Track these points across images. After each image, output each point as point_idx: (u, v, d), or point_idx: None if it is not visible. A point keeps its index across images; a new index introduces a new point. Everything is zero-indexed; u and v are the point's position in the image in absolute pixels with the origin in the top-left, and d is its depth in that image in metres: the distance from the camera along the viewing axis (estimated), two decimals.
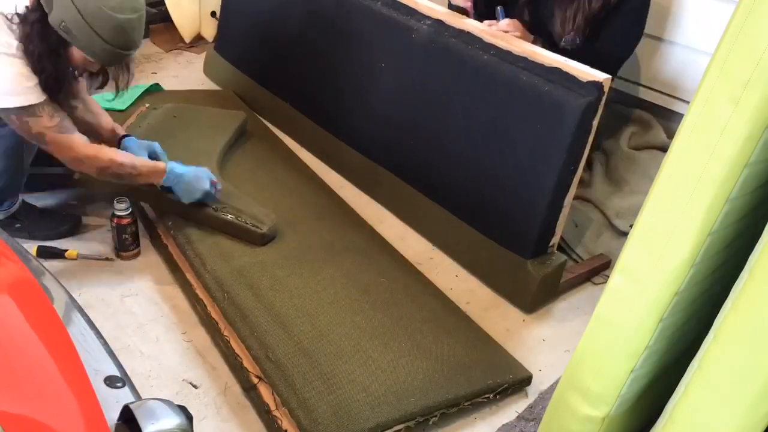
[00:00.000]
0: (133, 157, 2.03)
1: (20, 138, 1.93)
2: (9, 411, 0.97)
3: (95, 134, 2.16)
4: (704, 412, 1.16)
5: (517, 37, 2.14)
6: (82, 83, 2.09)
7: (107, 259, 2.10)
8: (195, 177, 2.04)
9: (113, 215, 2.06)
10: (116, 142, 2.16)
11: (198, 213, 2.08)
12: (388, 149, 2.45)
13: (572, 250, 2.30)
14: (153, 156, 2.15)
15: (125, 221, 2.07)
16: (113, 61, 1.86)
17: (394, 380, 1.68)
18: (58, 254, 2.07)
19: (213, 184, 2.08)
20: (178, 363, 1.81)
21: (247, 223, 2.05)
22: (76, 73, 1.97)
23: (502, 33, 2.13)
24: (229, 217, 2.06)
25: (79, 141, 1.93)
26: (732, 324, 1.11)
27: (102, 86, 1.98)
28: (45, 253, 2.06)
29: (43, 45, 1.80)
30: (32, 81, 1.82)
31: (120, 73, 1.90)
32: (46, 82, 1.87)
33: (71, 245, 2.13)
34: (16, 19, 1.79)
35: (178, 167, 2.04)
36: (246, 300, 1.84)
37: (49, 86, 1.88)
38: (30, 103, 1.82)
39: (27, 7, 1.81)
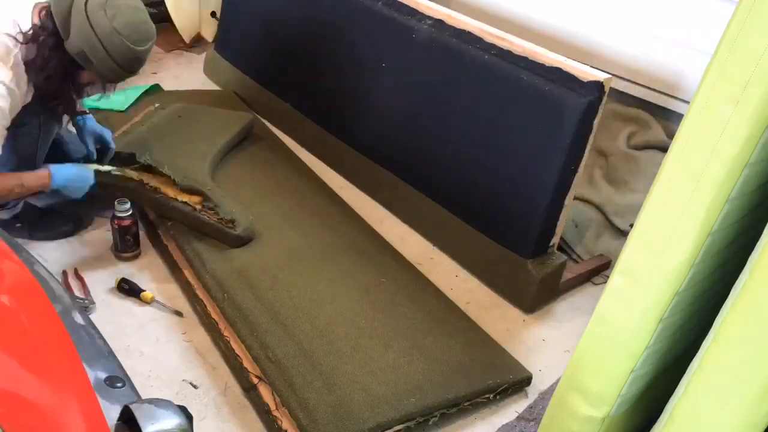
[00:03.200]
0: (18, 175, 1.92)
1: (36, 138, 1.98)
2: (9, 411, 0.97)
3: None
4: (704, 412, 1.16)
5: None
6: None
7: (177, 313, 1.96)
8: (79, 173, 2.01)
9: (114, 216, 2.06)
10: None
11: (176, 213, 2.07)
12: (388, 149, 2.45)
13: (572, 250, 2.30)
14: (101, 142, 2.21)
15: (126, 222, 2.07)
16: (119, 80, 1.94)
17: (394, 380, 1.68)
18: (136, 292, 1.98)
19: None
20: (178, 363, 1.81)
21: (221, 224, 2.03)
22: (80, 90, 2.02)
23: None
24: (204, 217, 2.04)
25: None
26: (732, 324, 1.11)
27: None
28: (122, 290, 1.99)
29: (58, 70, 1.86)
30: (5, 123, 1.82)
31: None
32: (55, 107, 1.95)
33: (72, 245, 2.14)
34: (22, 39, 1.81)
35: (62, 168, 1.99)
36: (246, 300, 1.84)
37: (56, 108, 1.96)
38: None
39: (36, 26, 1.83)
